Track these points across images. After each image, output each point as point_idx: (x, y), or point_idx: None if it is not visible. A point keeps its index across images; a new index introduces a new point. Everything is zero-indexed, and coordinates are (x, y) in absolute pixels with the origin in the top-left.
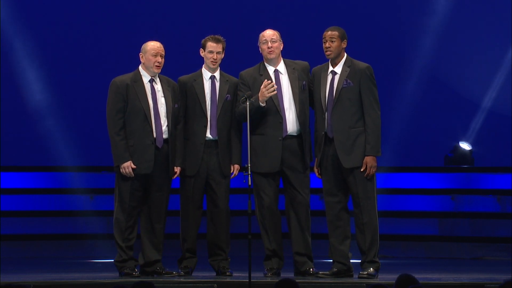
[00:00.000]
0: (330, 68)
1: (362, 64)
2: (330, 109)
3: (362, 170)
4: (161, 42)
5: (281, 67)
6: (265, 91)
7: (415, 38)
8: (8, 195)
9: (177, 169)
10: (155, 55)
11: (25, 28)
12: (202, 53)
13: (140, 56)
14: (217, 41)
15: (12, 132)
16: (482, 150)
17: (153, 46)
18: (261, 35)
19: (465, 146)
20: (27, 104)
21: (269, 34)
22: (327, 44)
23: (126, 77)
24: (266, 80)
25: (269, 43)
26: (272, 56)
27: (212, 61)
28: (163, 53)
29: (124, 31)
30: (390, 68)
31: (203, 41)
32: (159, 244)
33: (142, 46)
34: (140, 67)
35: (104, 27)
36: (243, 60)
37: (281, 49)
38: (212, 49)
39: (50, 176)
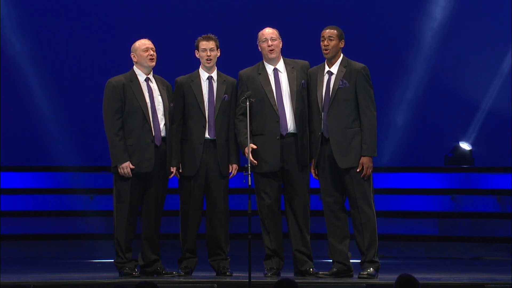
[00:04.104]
0: (326, 69)
1: (358, 65)
2: (326, 110)
3: (358, 170)
4: (159, 42)
5: (281, 65)
6: (247, 156)
7: (415, 38)
8: (8, 195)
9: (173, 169)
10: (146, 50)
11: (25, 28)
12: (197, 54)
13: (132, 56)
14: (208, 39)
15: (12, 132)
16: (482, 150)
17: (141, 43)
18: (260, 33)
19: (465, 146)
20: (27, 104)
21: (268, 32)
22: (325, 42)
23: (121, 77)
24: (252, 158)
25: (269, 41)
26: (273, 55)
27: (206, 60)
28: (153, 47)
29: (124, 31)
30: (390, 69)
31: (196, 42)
32: (157, 243)
33: (131, 47)
34: (134, 67)
35: (103, 28)
36: (242, 59)
37: (281, 47)
38: (205, 47)
39: (50, 176)
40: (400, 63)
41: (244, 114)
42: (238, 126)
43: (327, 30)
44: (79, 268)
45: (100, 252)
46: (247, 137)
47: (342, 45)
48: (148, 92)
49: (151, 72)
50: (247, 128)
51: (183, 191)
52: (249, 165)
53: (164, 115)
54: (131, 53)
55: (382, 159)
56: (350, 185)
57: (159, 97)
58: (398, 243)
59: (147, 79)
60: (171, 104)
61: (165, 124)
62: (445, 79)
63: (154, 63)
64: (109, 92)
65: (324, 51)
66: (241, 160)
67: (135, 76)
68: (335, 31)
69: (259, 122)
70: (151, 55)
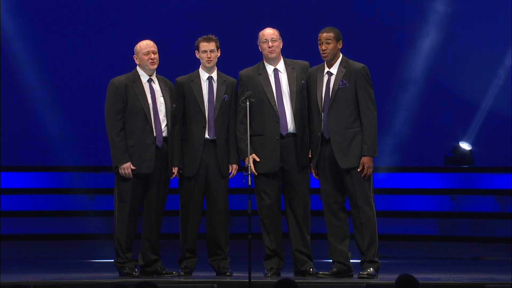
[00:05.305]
0: (326, 69)
1: (358, 65)
2: (326, 110)
3: (359, 170)
4: (159, 42)
5: (281, 66)
6: (247, 163)
7: (415, 38)
8: (8, 195)
9: (175, 170)
10: (147, 53)
11: (25, 28)
12: (197, 54)
13: (135, 58)
14: (208, 40)
15: (12, 132)
16: (482, 150)
17: (143, 45)
18: (260, 34)
19: (465, 146)
20: (27, 104)
21: (269, 33)
22: (323, 47)
23: (124, 78)
24: (253, 167)
25: (270, 42)
26: (273, 55)
27: (207, 60)
28: (155, 49)
29: (124, 31)
30: (390, 69)
31: (196, 42)
32: (157, 243)
33: (134, 48)
34: (137, 68)
35: (103, 28)
36: (242, 59)
37: (281, 47)
38: (205, 48)
39: (50, 176)
40: (400, 63)
41: (246, 115)
42: (239, 129)
43: (324, 34)
44: (79, 268)
45: (100, 252)
46: (247, 145)
47: (340, 46)
48: (151, 93)
49: (154, 73)
50: (247, 133)
51: (183, 191)
52: (249, 165)
53: (166, 116)
54: (134, 55)
55: (382, 159)
56: (351, 185)
57: (161, 98)
58: (398, 243)
59: (149, 80)
60: (174, 105)
61: (166, 125)
62: (445, 79)
63: (155, 66)
64: (112, 92)
65: (322, 55)
66: (241, 160)
67: (137, 76)
68: (332, 33)
69: (259, 122)
70: (151, 58)
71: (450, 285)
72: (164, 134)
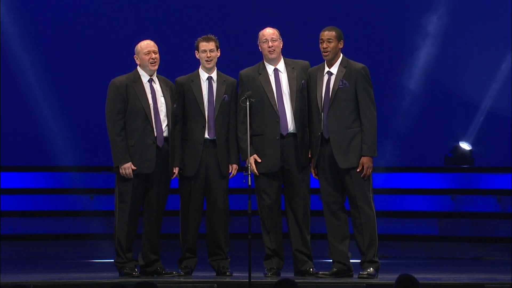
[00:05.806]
0: (326, 69)
1: (358, 65)
2: (326, 110)
3: (358, 170)
4: (159, 42)
5: (281, 66)
6: (247, 163)
7: (415, 38)
8: (8, 195)
9: (176, 170)
10: (148, 53)
11: (25, 28)
12: (197, 55)
13: (135, 58)
14: (208, 39)
15: (12, 132)
16: (482, 150)
17: (144, 45)
18: (260, 33)
19: (465, 146)
20: (27, 104)
21: (269, 33)
22: (324, 45)
23: (125, 78)
24: (255, 168)
25: (270, 42)
26: (273, 55)
27: (206, 60)
28: (156, 49)
29: (124, 31)
30: (390, 69)
31: (195, 43)
32: (157, 244)
33: (135, 49)
34: (138, 68)
35: (103, 28)
36: (242, 59)
37: (281, 47)
38: (205, 48)
39: (50, 176)
40: (400, 63)
41: (246, 115)
42: (240, 129)
43: (326, 32)
44: (79, 268)
45: (100, 252)
46: (247, 146)
47: (341, 45)
48: (151, 93)
49: (155, 73)
50: (247, 133)
51: (183, 191)
52: (249, 165)
53: (167, 116)
54: (134, 55)
55: (382, 159)
56: (350, 185)
57: (162, 98)
58: (398, 243)
59: (150, 80)
60: (174, 105)
61: (167, 125)
62: (445, 79)
63: (156, 67)
64: (112, 92)
65: (323, 54)
66: (242, 160)
67: (138, 76)
68: (334, 32)
69: (259, 122)
70: (152, 58)
71: (450, 285)
72: (165, 134)
